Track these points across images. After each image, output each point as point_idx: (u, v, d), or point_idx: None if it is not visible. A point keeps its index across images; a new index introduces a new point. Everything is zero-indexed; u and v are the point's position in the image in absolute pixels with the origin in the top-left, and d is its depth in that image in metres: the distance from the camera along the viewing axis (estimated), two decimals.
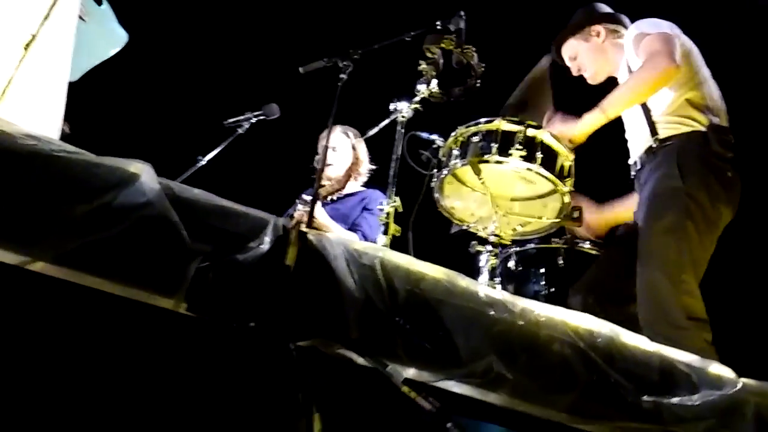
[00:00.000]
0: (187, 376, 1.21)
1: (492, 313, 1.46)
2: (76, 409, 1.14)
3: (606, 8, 2.83)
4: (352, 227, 3.23)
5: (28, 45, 1.87)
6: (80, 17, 2.36)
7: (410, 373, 1.33)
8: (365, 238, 3.18)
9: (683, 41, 2.50)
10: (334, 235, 1.44)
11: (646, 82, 2.39)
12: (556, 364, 1.47)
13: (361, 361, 1.30)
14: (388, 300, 1.38)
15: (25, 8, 1.94)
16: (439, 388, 1.38)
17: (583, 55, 2.78)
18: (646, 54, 2.43)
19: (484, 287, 1.52)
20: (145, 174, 1.20)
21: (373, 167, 3.41)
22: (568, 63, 2.84)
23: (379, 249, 1.49)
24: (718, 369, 1.65)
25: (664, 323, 2.15)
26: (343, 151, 3.39)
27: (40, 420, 1.12)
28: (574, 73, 2.84)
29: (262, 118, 3.42)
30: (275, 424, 1.19)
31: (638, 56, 2.49)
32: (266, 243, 1.29)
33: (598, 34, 2.74)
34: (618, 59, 2.69)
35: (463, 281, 1.50)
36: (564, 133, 2.44)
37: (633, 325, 2.48)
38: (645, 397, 1.51)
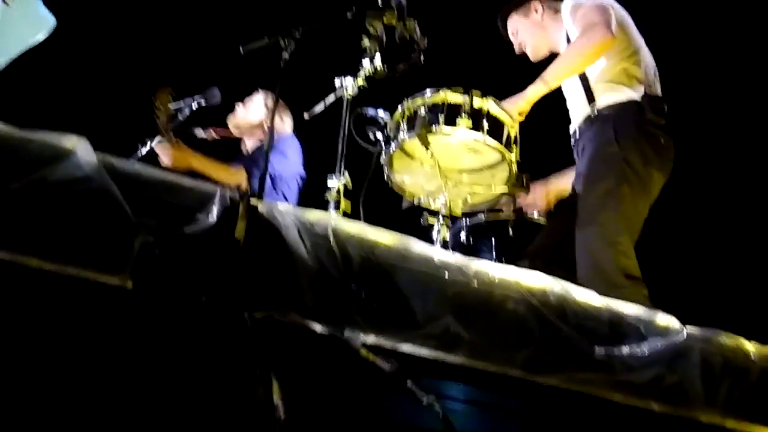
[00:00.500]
0: (142, 354, 1.17)
1: (447, 276, 1.46)
2: (25, 392, 1.09)
3: None
4: (257, 166, 3.23)
5: None
6: (4, 1, 2.24)
7: (369, 339, 1.33)
8: (272, 176, 3.22)
9: (617, 11, 2.57)
10: (284, 205, 1.42)
11: (584, 52, 2.46)
12: (511, 322, 1.49)
13: (318, 328, 1.29)
14: (342, 267, 1.37)
15: None
16: (398, 351, 1.38)
17: (524, 31, 2.82)
18: (583, 25, 2.49)
19: (438, 251, 1.53)
20: (81, 148, 1.15)
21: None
22: (511, 38, 2.87)
23: (330, 218, 1.47)
24: (664, 319, 1.71)
25: (603, 283, 2.21)
26: (254, 104, 3.48)
27: None
28: (516, 50, 2.88)
29: (203, 104, 3.35)
30: (233, 395, 1.17)
31: (576, 27, 2.54)
32: (214, 214, 1.26)
33: (536, 10, 2.79)
34: (557, 36, 2.74)
35: (416, 246, 1.51)
36: (509, 105, 2.46)
37: None
38: (597, 349, 1.56)
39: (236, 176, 3.21)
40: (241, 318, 1.20)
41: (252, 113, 3.51)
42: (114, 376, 1.16)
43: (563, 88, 2.74)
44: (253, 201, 1.37)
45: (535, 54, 2.83)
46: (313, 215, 1.44)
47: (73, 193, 1.12)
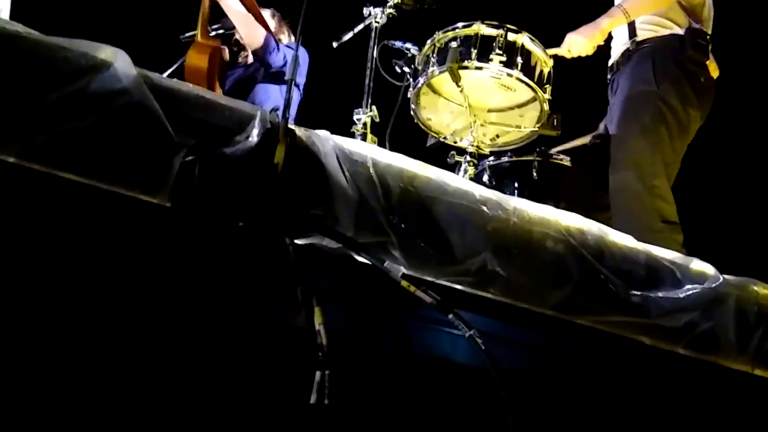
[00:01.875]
0: (178, 275, 1.15)
1: (486, 210, 1.43)
2: (60, 311, 1.07)
3: None
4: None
5: None
6: None
7: (407, 271, 1.30)
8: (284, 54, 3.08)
9: None
10: (323, 132, 1.37)
11: None
12: (549, 261, 1.46)
13: (357, 257, 1.26)
14: (382, 198, 1.33)
15: None
16: (435, 283, 1.35)
17: None
18: None
19: (477, 186, 1.48)
20: (119, 59, 1.09)
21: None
22: None
23: (369, 147, 1.42)
24: (700, 265, 1.68)
25: (638, 226, 2.17)
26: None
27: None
28: None
29: (220, 31, 3.24)
30: (273, 320, 1.15)
31: None
32: (254, 136, 1.21)
33: None
34: None
35: (455, 179, 1.46)
36: (582, 38, 2.34)
37: None
38: (633, 292, 1.53)
39: (258, 33, 2.97)
40: (282, 243, 1.17)
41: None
42: (149, 296, 1.14)
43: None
44: (291, 125, 1.32)
45: None
46: (352, 143, 1.39)
47: (112, 106, 1.07)
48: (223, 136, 1.20)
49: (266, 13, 3.39)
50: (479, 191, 1.47)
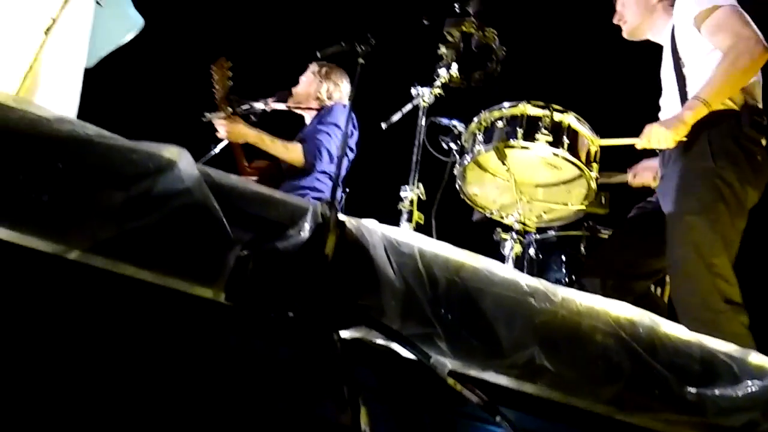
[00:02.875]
0: (226, 367, 1.17)
1: (533, 302, 1.42)
2: (114, 396, 1.11)
3: None
4: (311, 141, 3.24)
5: (48, 29, 1.82)
6: (96, 1, 2.31)
7: (453, 366, 1.30)
8: (326, 150, 3.19)
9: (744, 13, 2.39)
10: (371, 221, 1.40)
11: (745, 70, 2.26)
12: (599, 354, 1.43)
13: (403, 352, 1.27)
14: (429, 290, 1.34)
15: None
16: (480, 379, 1.34)
17: (632, 6, 2.63)
18: (732, 35, 2.28)
19: (523, 276, 1.48)
20: (183, 160, 1.16)
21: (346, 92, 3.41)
22: (617, 6, 2.68)
23: (415, 236, 1.44)
24: (758, 359, 1.62)
25: (701, 307, 2.11)
26: (307, 76, 3.48)
27: (75, 406, 1.09)
28: (614, 19, 2.70)
29: (276, 107, 3.38)
30: (317, 416, 1.16)
31: (706, 33, 2.35)
32: (306, 231, 1.25)
33: None
34: (662, 24, 2.58)
35: (502, 269, 1.46)
36: (668, 131, 2.28)
37: (650, 303, 2.47)
38: (688, 389, 1.48)
39: (293, 151, 3.18)
40: (330, 338, 1.18)
41: (303, 83, 3.48)
42: (199, 387, 1.17)
43: (662, 82, 2.59)
44: (342, 217, 1.36)
45: (630, 33, 2.66)
46: (399, 233, 1.42)
47: (174, 205, 1.13)
48: (277, 230, 1.25)
49: (309, 72, 3.48)
50: (526, 281, 1.46)
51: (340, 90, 3.46)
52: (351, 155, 3.33)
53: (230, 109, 3.17)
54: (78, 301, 1.11)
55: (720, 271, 2.15)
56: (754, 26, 2.31)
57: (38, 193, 1.06)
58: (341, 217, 1.35)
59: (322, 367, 1.17)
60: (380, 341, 1.26)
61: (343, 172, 3.27)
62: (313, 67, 3.49)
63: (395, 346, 1.27)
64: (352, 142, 3.30)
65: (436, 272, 1.37)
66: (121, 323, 1.15)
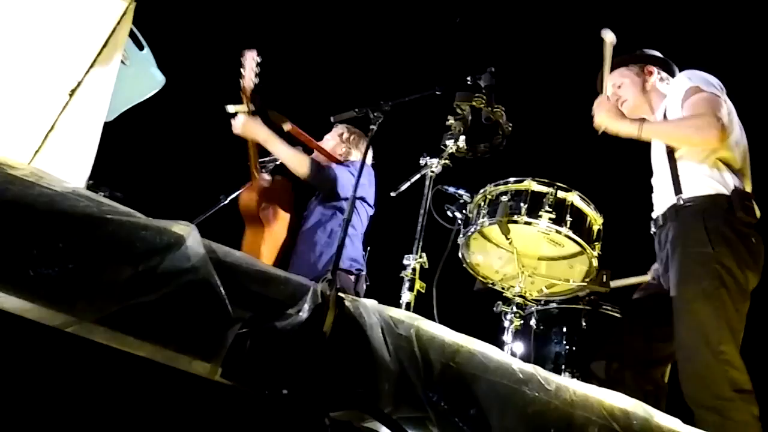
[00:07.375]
0: None
1: (527, 391, 1.42)
2: None
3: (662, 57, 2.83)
4: (326, 166, 3.22)
5: (73, 91, 1.90)
6: (122, 61, 2.40)
7: None
8: (342, 184, 3.17)
9: (728, 105, 2.47)
10: (370, 301, 1.43)
11: (690, 137, 2.38)
12: None
13: None
14: (423, 373, 1.36)
15: (73, 55, 1.98)
16: None
17: (629, 87, 2.73)
18: (700, 110, 2.38)
19: (518, 362, 1.49)
20: (191, 237, 1.20)
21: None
22: (608, 90, 2.76)
23: (414, 318, 1.47)
24: None
25: (709, 395, 2.09)
26: (333, 137, 3.50)
27: None
28: (611, 99, 2.80)
29: (277, 162, 3.44)
30: None
31: (684, 107, 2.44)
32: (305, 311, 1.28)
33: (650, 74, 2.72)
34: (656, 105, 2.67)
35: (497, 354, 1.48)
36: (604, 112, 2.51)
37: (659, 390, 2.45)
38: None
39: (301, 160, 3.16)
40: (321, 420, 1.20)
41: (326, 141, 3.51)
42: None
43: (652, 163, 2.65)
44: (341, 294, 1.39)
45: (630, 113, 2.72)
46: (398, 314, 1.44)
47: (179, 283, 1.17)
48: (277, 308, 1.28)
49: (335, 132, 3.53)
50: (521, 368, 1.47)
51: (360, 153, 3.51)
52: (371, 210, 3.34)
53: (252, 105, 3.19)
54: (77, 375, 1.14)
55: (727, 358, 2.13)
56: (728, 118, 2.39)
57: (50, 266, 1.09)
58: (341, 294, 1.38)
59: None
60: (371, 425, 1.27)
61: (363, 228, 3.27)
62: (340, 129, 3.53)
63: (385, 430, 1.28)
64: (371, 197, 3.32)
65: (432, 356, 1.39)
66: (119, 398, 1.17)
